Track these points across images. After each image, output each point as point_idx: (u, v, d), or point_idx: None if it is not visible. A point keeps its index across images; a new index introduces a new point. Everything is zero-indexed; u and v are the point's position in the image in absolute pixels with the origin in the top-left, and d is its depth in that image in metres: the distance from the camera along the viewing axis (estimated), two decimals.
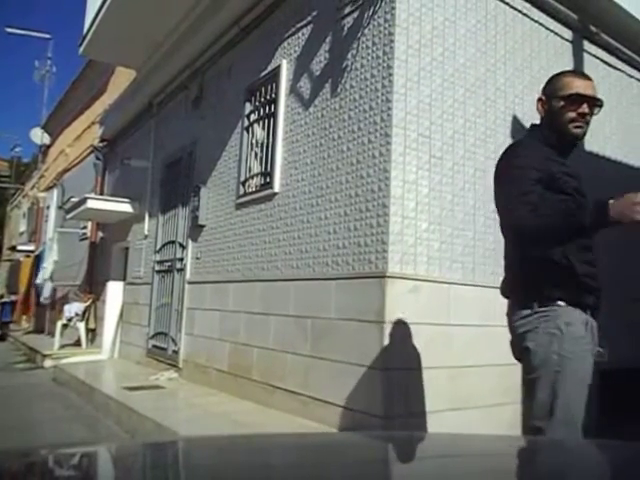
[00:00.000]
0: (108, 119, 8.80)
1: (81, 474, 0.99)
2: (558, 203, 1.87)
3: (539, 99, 2.10)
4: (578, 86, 1.97)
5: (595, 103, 1.99)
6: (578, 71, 2.09)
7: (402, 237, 3.30)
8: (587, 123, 2.00)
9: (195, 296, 5.59)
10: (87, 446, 1.41)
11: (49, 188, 13.73)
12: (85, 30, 6.57)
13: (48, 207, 13.50)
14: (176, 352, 5.75)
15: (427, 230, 3.44)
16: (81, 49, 6.79)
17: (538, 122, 2.14)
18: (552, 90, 2.03)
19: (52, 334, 8.93)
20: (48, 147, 15.32)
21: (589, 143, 4.65)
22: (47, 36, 16.69)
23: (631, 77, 5.19)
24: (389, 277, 3.21)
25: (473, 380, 3.41)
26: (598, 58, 4.84)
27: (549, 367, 1.83)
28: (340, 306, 3.53)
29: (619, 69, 5.05)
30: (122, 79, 8.58)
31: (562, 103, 1.98)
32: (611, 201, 1.69)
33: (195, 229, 5.68)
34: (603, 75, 4.88)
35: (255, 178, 4.79)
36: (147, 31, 6.11)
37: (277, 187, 4.37)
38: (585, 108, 1.96)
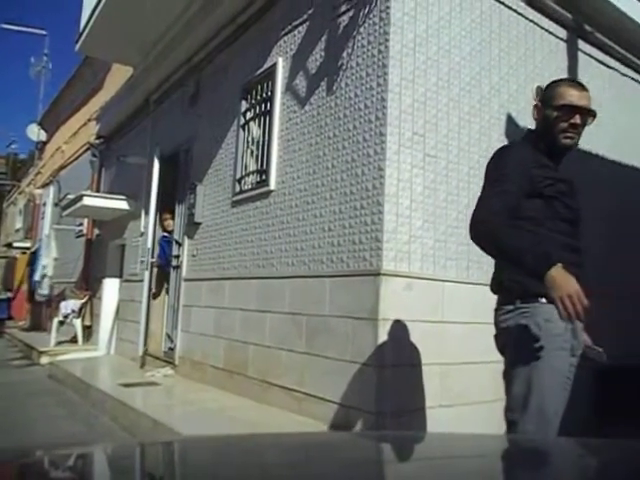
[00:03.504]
0: (105, 116, 8.80)
1: (79, 474, 1.00)
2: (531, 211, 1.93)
3: (535, 105, 2.12)
4: (572, 96, 1.99)
5: (588, 114, 2.02)
6: (575, 81, 2.11)
7: (396, 235, 3.32)
8: (579, 134, 2.02)
9: (191, 293, 5.61)
10: (85, 446, 1.41)
11: (45, 185, 13.70)
12: (81, 27, 6.58)
13: (44, 204, 13.46)
14: (172, 349, 5.77)
15: (421, 228, 3.46)
16: (77, 46, 6.80)
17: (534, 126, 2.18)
18: (547, 98, 2.06)
19: (48, 331, 8.93)
20: (44, 144, 15.29)
21: (584, 142, 4.66)
22: (43, 32, 16.64)
23: (625, 76, 5.23)
24: (383, 275, 3.24)
25: (465, 377, 3.44)
26: (592, 57, 4.87)
27: (526, 362, 1.87)
28: (335, 303, 3.56)
29: (613, 68, 5.08)
30: (119, 76, 8.58)
31: (555, 113, 2.00)
32: (559, 265, 1.70)
33: (191, 226, 5.69)
34: (597, 73, 4.91)
35: (251, 176, 4.81)
36: (143, 28, 6.11)
37: (273, 185, 4.39)
38: (577, 119, 1.98)
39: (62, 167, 12.15)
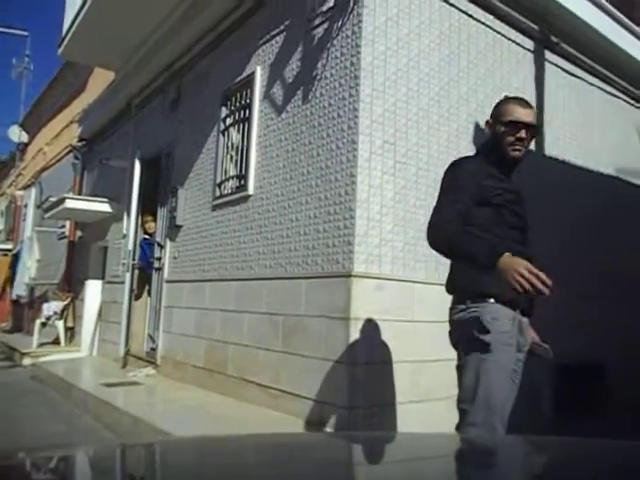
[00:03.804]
0: (87, 119, 8.87)
1: (61, 476, 1.02)
2: (482, 219, 2.11)
3: (487, 121, 2.31)
4: (518, 113, 2.19)
5: (533, 129, 2.22)
6: (521, 99, 2.30)
7: (367, 238, 3.49)
8: (525, 147, 2.22)
9: (173, 295, 5.73)
10: (66, 448, 1.42)
11: (27, 186, 13.68)
12: (64, 32, 6.66)
13: (26, 206, 13.46)
14: (154, 349, 5.88)
15: (392, 232, 3.63)
16: (60, 50, 6.87)
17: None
18: (496, 115, 2.25)
19: (31, 333, 8.97)
20: (26, 145, 15.23)
21: (550, 148, 4.90)
22: (24, 33, 16.56)
23: (591, 85, 5.45)
24: (355, 276, 3.40)
25: (435, 374, 3.60)
26: (559, 67, 5.09)
27: (474, 356, 2.06)
28: (310, 304, 3.71)
29: (579, 77, 5.30)
30: (101, 79, 8.64)
31: (503, 128, 2.20)
32: (507, 254, 1.87)
33: (173, 229, 5.81)
34: (563, 83, 5.13)
35: (231, 180, 4.95)
36: (126, 34, 6.21)
37: (251, 189, 4.54)
38: (523, 134, 2.18)
39: (44, 169, 12.15)
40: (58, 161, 11.05)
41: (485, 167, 2.20)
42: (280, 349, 3.93)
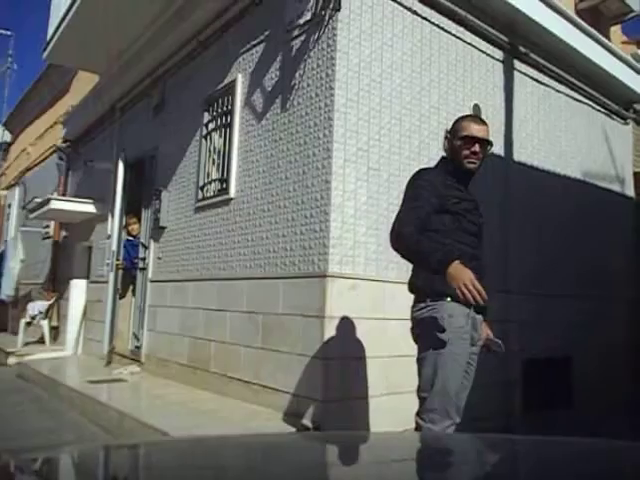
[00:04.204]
0: (71, 121, 8.97)
1: (54, 476, 1.04)
2: (440, 224, 2.32)
3: (445, 136, 2.54)
4: (473, 129, 2.43)
5: (486, 144, 2.45)
6: (475, 116, 2.55)
7: (342, 241, 3.70)
8: (479, 159, 2.46)
9: (157, 294, 5.89)
10: (48, 449, 1.41)
11: (11, 186, 13.69)
12: (49, 36, 6.77)
13: (10, 205, 13.48)
14: (139, 348, 6.04)
15: (365, 234, 3.84)
16: (45, 54, 6.98)
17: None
18: (454, 131, 2.49)
19: (15, 333, 9.04)
20: (9, 145, 15.23)
21: (519, 154, 5.14)
22: (8, 33, 16.55)
23: (558, 92, 5.70)
24: (329, 277, 3.61)
25: (405, 368, 3.79)
26: (527, 75, 5.33)
27: (432, 349, 2.28)
28: (287, 303, 3.91)
29: (547, 85, 5.55)
30: (85, 80, 8.74)
31: (459, 142, 2.43)
32: (456, 262, 2.11)
33: (157, 230, 5.97)
34: (532, 91, 5.37)
35: (213, 184, 5.12)
36: (110, 40, 6.33)
37: (233, 193, 4.72)
38: (477, 148, 2.43)
39: (28, 169, 12.19)
40: (42, 161, 11.11)
41: (444, 178, 2.42)
42: (260, 346, 4.12)
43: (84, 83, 8.78)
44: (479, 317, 2.40)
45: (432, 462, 1.17)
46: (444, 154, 2.60)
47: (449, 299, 2.29)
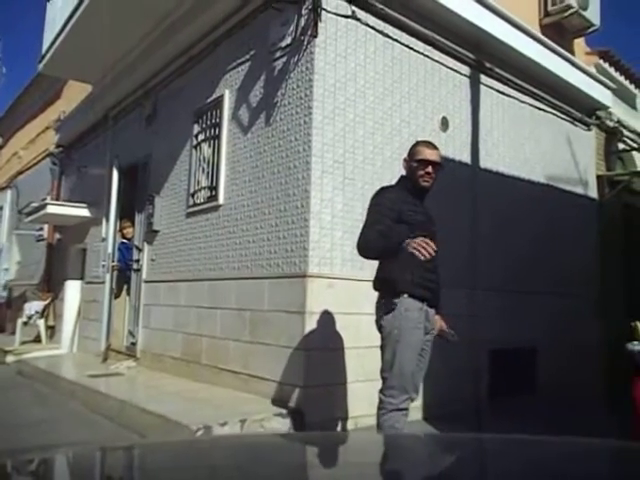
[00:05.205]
0: (64, 127, 9.28)
1: (53, 477, 1.09)
2: (398, 231, 2.75)
3: (404, 159, 2.98)
4: (426, 153, 2.89)
5: (438, 166, 2.90)
6: (429, 142, 3.00)
7: (320, 244, 4.13)
8: (433, 179, 2.91)
9: (151, 294, 6.28)
10: (43, 450, 1.41)
11: (3, 189, 13.94)
12: (44, 50, 7.10)
13: (1, 208, 13.74)
14: (134, 344, 6.43)
15: (341, 238, 4.27)
16: (40, 67, 7.32)
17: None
18: (411, 154, 2.96)
19: (11, 333, 9.36)
20: (0, 148, 15.45)
21: (485, 161, 5.59)
22: None
23: (523, 103, 6.16)
24: (309, 276, 4.04)
25: (377, 357, 4.24)
26: (492, 88, 5.78)
27: (391, 337, 2.73)
28: (272, 300, 4.34)
29: (512, 96, 6.00)
30: (77, 87, 8.97)
31: (415, 164, 2.88)
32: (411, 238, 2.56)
33: (150, 234, 6.36)
34: (497, 102, 5.82)
35: (203, 191, 5.52)
36: (104, 52, 6.68)
37: (221, 200, 5.13)
38: (430, 169, 2.89)
39: (20, 172, 12.45)
40: (35, 165, 11.37)
41: (402, 194, 2.87)
42: (248, 340, 4.54)
43: (75, 90, 9.03)
44: (432, 310, 2.85)
45: (417, 462, 1.23)
46: (404, 173, 3.04)
47: (406, 295, 2.73)
